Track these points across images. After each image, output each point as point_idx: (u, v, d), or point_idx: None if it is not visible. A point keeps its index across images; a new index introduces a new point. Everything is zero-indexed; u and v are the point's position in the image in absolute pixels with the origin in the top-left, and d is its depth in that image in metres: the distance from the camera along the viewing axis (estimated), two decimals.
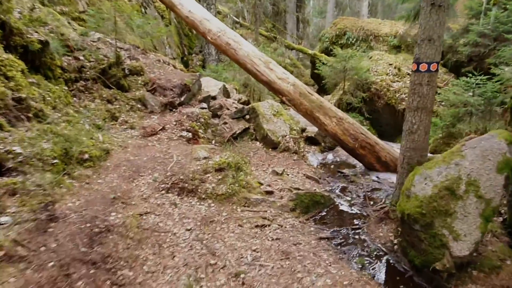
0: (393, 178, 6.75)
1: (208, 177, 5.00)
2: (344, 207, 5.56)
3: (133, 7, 10.52)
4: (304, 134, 9.04)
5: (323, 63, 10.74)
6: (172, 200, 4.59)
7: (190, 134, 6.51)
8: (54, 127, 4.40)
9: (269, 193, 5.57)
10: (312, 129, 9.18)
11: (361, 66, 9.80)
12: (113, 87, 6.53)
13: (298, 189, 5.90)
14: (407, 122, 4.46)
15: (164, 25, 12.91)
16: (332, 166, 8.23)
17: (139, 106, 6.61)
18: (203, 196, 4.79)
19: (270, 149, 7.51)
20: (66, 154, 4.28)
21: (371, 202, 5.69)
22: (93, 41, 7.23)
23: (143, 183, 4.74)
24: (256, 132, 7.73)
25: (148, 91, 6.92)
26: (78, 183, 4.22)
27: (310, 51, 17.70)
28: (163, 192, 4.69)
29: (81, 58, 6.42)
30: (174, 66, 8.54)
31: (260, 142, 7.58)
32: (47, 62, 5.36)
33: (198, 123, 6.85)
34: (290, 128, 8.22)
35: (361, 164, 8.03)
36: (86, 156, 4.61)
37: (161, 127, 6.35)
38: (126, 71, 6.93)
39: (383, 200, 5.78)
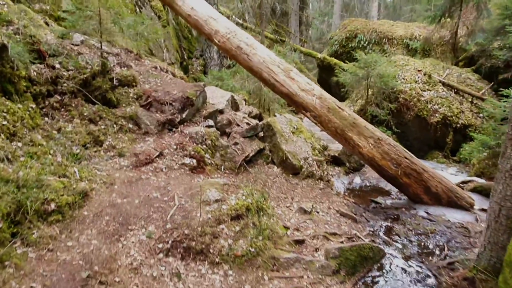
0: (448, 215, 5.46)
1: (223, 229, 3.67)
2: (399, 261, 4.23)
3: (126, 6, 9.19)
4: (326, 153, 7.74)
5: (343, 69, 9.45)
6: (173, 269, 3.24)
7: (194, 161, 5.18)
8: (2, 169, 3.05)
9: (299, 243, 4.25)
10: (335, 147, 7.89)
11: (389, 73, 8.53)
12: (98, 103, 5.19)
13: (335, 234, 4.58)
14: (507, 159, 3.14)
15: (161, 27, 11.59)
16: (361, 193, 6.92)
17: (130, 126, 5.27)
18: (217, 259, 3.44)
19: (290, 175, 6.18)
20: (19, 210, 2.93)
21: (433, 256, 4.37)
22: (75, 45, 5.90)
23: (133, 242, 3.39)
24: (273, 154, 6.41)
25: (142, 106, 5.59)
26: (35, 253, 2.88)
27: (319, 55, 16.43)
28: (161, 255, 3.35)
29: (57, 66, 5.09)
30: (174, 74, 7.21)
31: (278, 167, 6.26)
32: (6, 72, 4.02)
33: (204, 146, 5.52)
34: (312, 147, 6.91)
35: (395, 189, 6.75)
36: (52, 206, 3.27)
37: (158, 153, 5.01)
38: (115, 81, 5.60)
39: (447, 250, 4.46)
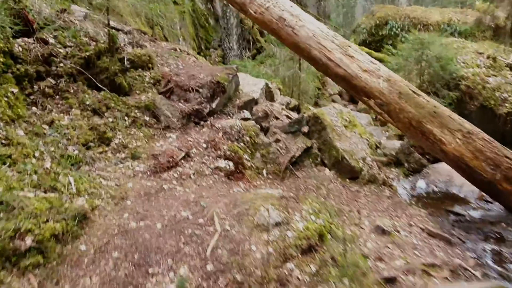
0: None
1: (292, 271, 2.38)
2: None
3: None
4: (379, 151, 6.41)
5: (391, 53, 8.07)
6: None
7: (231, 164, 3.91)
8: None
9: (391, 281, 2.94)
10: (390, 144, 6.54)
11: (448, 55, 7.13)
12: (104, 88, 3.97)
13: (434, 266, 3.26)
14: None
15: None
16: (431, 200, 5.57)
17: (146, 118, 4.03)
18: None
19: (347, 180, 4.87)
20: None
21: None
22: (76, 20, 4.69)
23: None
24: (323, 153, 5.10)
25: (160, 93, 4.35)
26: None
27: None
28: None
29: (51, 40, 3.87)
30: (196, 58, 5.96)
31: (331, 169, 4.94)
32: None
33: (242, 144, 4.25)
34: (369, 144, 5.58)
35: (473, 195, 5.42)
36: (28, 242, 2.04)
37: (183, 154, 3.76)
38: (126, 62, 4.36)
39: None
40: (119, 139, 3.64)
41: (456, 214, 4.94)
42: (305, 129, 5.42)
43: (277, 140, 4.93)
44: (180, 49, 5.82)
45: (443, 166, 6.37)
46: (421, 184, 6.05)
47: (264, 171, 4.43)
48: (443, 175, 6.12)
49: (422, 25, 14.80)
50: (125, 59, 4.32)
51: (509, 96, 7.23)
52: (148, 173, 3.43)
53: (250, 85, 5.93)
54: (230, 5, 12.05)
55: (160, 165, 3.53)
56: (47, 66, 3.69)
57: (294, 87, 7.29)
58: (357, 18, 21.86)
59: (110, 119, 3.73)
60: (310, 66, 8.05)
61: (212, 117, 4.49)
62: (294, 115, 5.98)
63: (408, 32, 15.26)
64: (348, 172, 4.87)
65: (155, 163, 3.54)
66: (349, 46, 4.72)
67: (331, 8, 23.51)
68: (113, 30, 4.90)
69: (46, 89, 3.55)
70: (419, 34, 7.29)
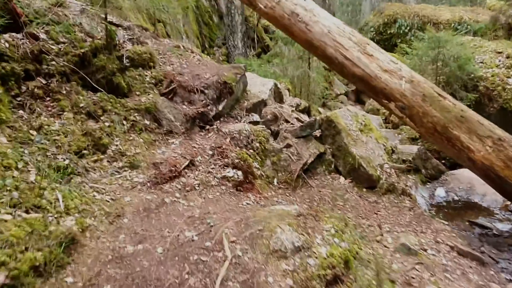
0: None
1: None
2: None
3: None
4: (395, 156, 6.02)
5: (406, 52, 7.67)
6: None
7: (239, 173, 3.54)
8: None
9: None
10: (406, 149, 6.15)
11: (466, 54, 6.74)
12: (100, 89, 3.60)
13: None
14: None
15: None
16: (452, 211, 5.19)
17: (146, 122, 3.66)
18: None
19: (364, 190, 4.50)
20: None
21: None
22: (72, 14, 4.32)
23: None
24: (337, 160, 4.72)
25: (162, 94, 3.98)
26: None
27: None
28: None
29: (42, 36, 3.51)
30: (201, 56, 5.59)
31: (346, 178, 4.57)
32: None
33: (251, 151, 3.88)
34: (386, 150, 5.20)
35: (497, 205, 5.08)
36: (1, 278, 1.67)
37: (187, 162, 3.39)
38: (125, 61, 3.99)
39: None
40: (116, 145, 3.28)
41: (482, 226, 4.58)
42: (317, 133, 5.06)
43: (288, 146, 4.56)
44: (183, 46, 5.45)
45: (463, 173, 5.99)
46: (440, 192, 5.67)
47: (275, 180, 4.06)
48: (463, 182, 5.74)
49: (432, 23, 14.42)
50: (124, 57, 3.95)
51: None
52: (148, 184, 3.07)
53: (258, 86, 5.56)
54: (237, 0, 11.70)
55: (162, 175, 3.17)
56: (37, 64, 3.32)
57: (303, 87, 6.91)
58: (364, 16, 21.38)
59: (107, 124, 3.36)
60: (319, 65, 7.68)
61: (218, 121, 4.13)
62: (305, 118, 5.62)
63: (418, 30, 14.92)
64: (365, 180, 4.50)
65: (156, 173, 3.17)
66: (368, 44, 4.35)
67: (336, 6, 23.06)
68: (112, 26, 4.54)
69: (36, 90, 3.18)
70: (436, 33, 6.88)
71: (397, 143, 6.89)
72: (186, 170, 3.37)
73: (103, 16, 4.20)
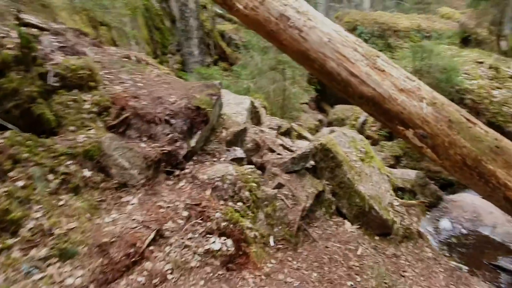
0: None
1: None
2: None
3: None
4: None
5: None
6: None
7: (229, 242, 2.46)
8: None
9: None
10: (400, 174, 5.41)
11: (453, 65, 6.19)
12: (10, 126, 2.34)
13: None
14: None
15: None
16: (464, 248, 4.49)
17: (86, 173, 2.44)
18: None
19: (376, 238, 3.60)
20: None
21: None
22: None
23: None
24: (340, 200, 3.79)
25: (110, 128, 2.77)
26: None
27: None
28: None
29: None
30: (159, 69, 4.39)
31: (354, 223, 3.65)
32: None
33: (240, 204, 2.80)
34: (390, 182, 4.37)
35: (510, 238, 4.51)
36: None
37: (153, 234, 2.24)
38: (52, 80, 2.73)
39: None
40: (37, 219, 2.05)
41: (509, 271, 3.88)
42: (310, 163, 4.10)
43: (280, 186, 3.55)
44: (136, 57, 4.23)
45: (464, 199, 5.35)
46: (445, 224, 4.97)
47: (271, 239, 3.02)
48: (467, 211, 5.09)
49: (392, 31, 14.28)
50: (50, 74, 2.70)
51: None
52: (92, 287, 1.88)
53: (232, 105, 4.50)
54: (191, 3, 10.53)
55: (113, 266, 2.00)
56: None
57: (277, 103, 5.95)
58: None
59: (20, 183, 2.12)
60: (294, 74, 6.76)
61: (191, 161, 3.00)
62: (289, 143, 4.65)
63: (377, 38, 14.72)
64: (377, 226, 3.61)
65: (103, 263, 1.99)
66: (378, 56, 3.48)
67: None
68: (33, 29, 3.26)
69: None
70: (421, 42, 6.28)
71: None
72: (151, 247, 2.22)
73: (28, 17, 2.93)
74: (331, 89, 3.83)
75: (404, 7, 20.15)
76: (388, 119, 3.51)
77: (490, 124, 6.71)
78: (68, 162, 2.38)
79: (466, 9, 12.90)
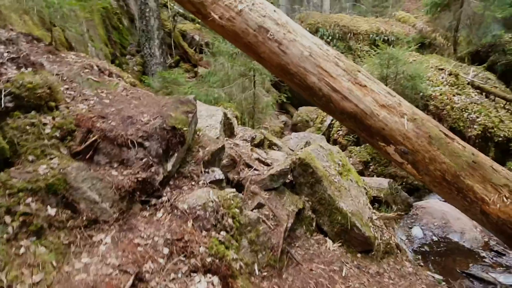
0: None
1: None
2: None
3: None
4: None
5: None
6: None
7: (215, 280, 2.25)
8: None
9: None
10: (375, 183, 5.45)
11: (420, 72, 6.34)
12: None
13: None
14: None
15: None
16: (436, 256, 4.58)
17: (50, 211, 2.12)
18: None
19: (358, 256, 3.54)
20: None
21: None
22: None
23: None
24: (320, 217, 3.70)
25: (76, 155, 2.46)
26: None
27: None
28: None
29: None
30: (125, 81, 4.05)
31: (335, 241, 3.57)
32: None
33: (224, 233, 2.60)
34: (367, 195, 4.35)
35: (478, 244, 4.70)
36: None
37: (131, 279, 1.98)
38: (3, 100, 2.37)
39: None
40: None
41: (481, 280, 3.98)
42: (288, 178, 3.97)
43: (260, 206, 3.39)
44: (98, 66, 3.86)
45: (433, 206, 5.48)
46: (417, 232, 5.06)
47: (256, 267, 2.85)
48: (436, 217, 5.22)
49: (352, 34, 14.58)
50: (2, 94, 2.34)
51: (477, 117, 6.73)
52: None
53: (204, 118, 4.27)
54: (152, 2, 10.04)
55: None
56: None
57: (250, 112, 5.77)
58: None
59: None
60: (263, 80, 6.61)
61: (168, 187, 2.75)
62: (263, 155, 4.50)
63: (339, 40, 14.97)
64: (359, 244, 3.55)
65: None
66: (359, 71, 3.41)
67: None
68: None
69: None
70: (389, 49, 6.36)
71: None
72: None
73: None
74: (299, 93, 3.73)
75: (361, 9, 20.68)
76: (369, 135, 3.46)
77: (452, 129, 6.99)
78: (28, 200, 2.05)
79: (420, 14, 13.44)
